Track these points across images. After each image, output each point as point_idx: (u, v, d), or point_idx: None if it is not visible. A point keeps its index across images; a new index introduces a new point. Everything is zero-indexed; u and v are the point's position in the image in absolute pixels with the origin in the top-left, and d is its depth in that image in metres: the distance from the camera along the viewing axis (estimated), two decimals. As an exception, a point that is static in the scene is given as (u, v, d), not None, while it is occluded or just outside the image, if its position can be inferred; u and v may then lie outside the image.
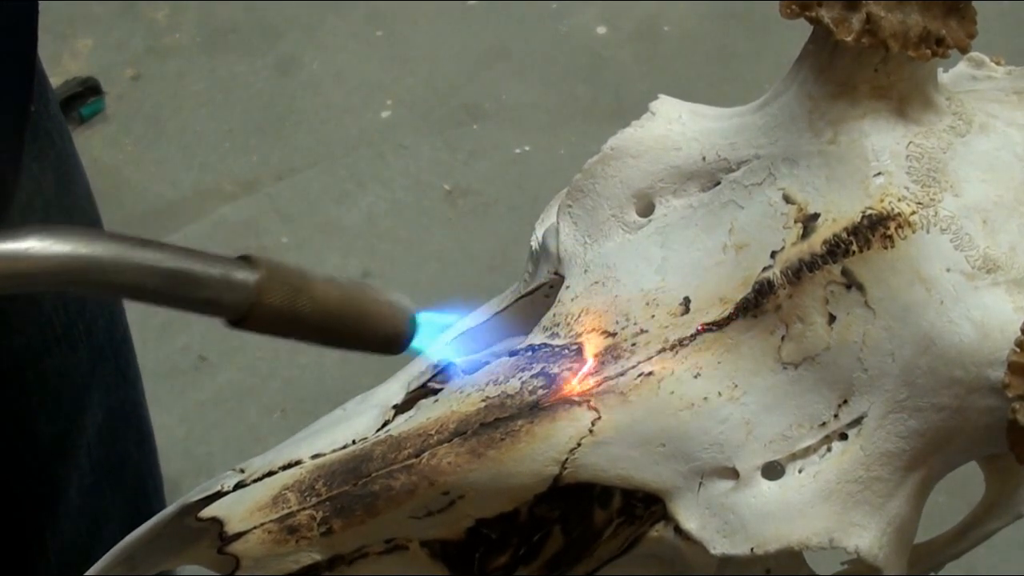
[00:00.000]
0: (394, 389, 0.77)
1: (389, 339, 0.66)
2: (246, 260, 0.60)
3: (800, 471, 0.70)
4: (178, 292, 0.58)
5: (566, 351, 0.73)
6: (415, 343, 0.68)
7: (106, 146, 2.63)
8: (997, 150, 0.72)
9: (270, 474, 0.74)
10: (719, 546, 0.71)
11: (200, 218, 2.48)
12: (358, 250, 2.42)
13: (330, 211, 2.48)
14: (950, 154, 0.71)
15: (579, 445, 0.71)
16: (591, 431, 0.71)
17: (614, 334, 0.73)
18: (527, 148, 2.56)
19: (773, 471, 0.71)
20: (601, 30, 2.82)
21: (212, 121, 2.67)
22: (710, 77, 2.63)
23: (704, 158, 0.74)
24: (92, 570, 0.74)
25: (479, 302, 0.81)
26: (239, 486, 0.74)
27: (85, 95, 2.70)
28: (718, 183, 0.74)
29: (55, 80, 2.64)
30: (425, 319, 0.69)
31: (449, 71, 2.76)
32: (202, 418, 2.18)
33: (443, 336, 0.75)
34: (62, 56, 2.79)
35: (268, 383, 2.22)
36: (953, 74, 0.78)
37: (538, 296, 0.77)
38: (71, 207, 1.09)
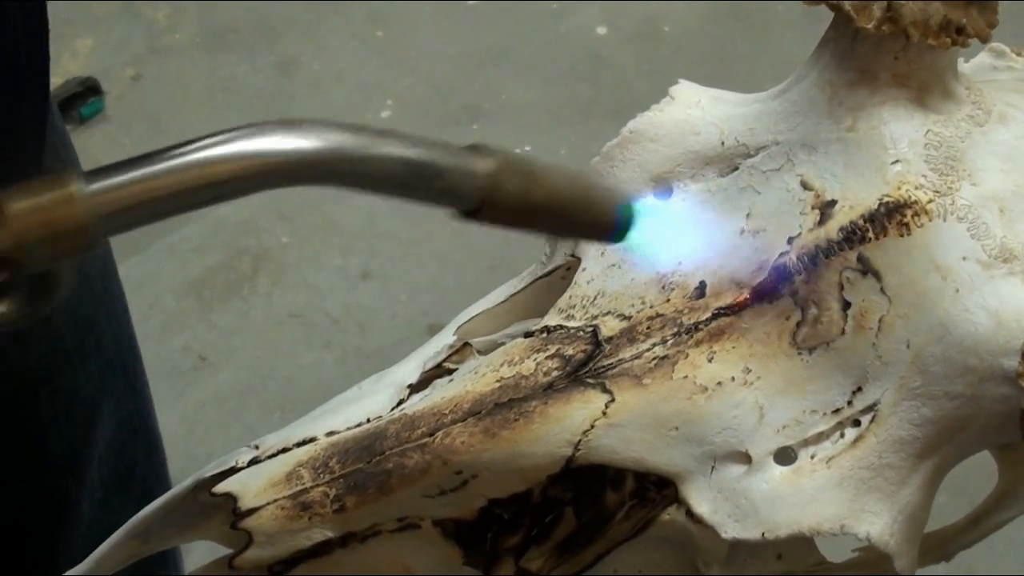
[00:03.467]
0: (409, 368, 0.77)
1: (610, 227, 0.63)
2: (477, 149, 0.58)
3: (813, 457, 0.70)
4: (420, 182, 0.57)
5: (581, 333, 0.73)
6: (632, 233, 0.64)
7: (106, 146, 2.62)
8: (1016, 140, 0.72)
9: (284, 451, 0.73)
10: (730, 530, 0.70)
11: (200, 218, 2.47)
12: (358, 250, 2.42)
13: (330, 211, 2.48)
14: (968, 143, 0.71)
15: (592, 427, 0.71)
16: (605, 413, 0.71)
17: (629, 317, 0.73)
18: (527, 148, 2.56)
19: (786, 456, 0.71)
20: (601, 30, 2.82)
21: (212, 121, 2.67)
22: (710, 77, 2.60)
23: (723, 143, 0.74)
24: (105, 545, 0.73)
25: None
26: (253, 462, 0.73)
27: (85, 95, 2.71)
28: (736, 168, 0.74)
29: (55, 80, 2.64)
30: (643, 206, 0.66)
31: (449, 71, 2.76)
32: (202, 418, 2.18)
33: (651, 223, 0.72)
34: (62, 56, 2.79)
35: (268, 383, 2.21)
36: (974, 64, 0.78)
37: (555, 278, 0.77)
38: None
